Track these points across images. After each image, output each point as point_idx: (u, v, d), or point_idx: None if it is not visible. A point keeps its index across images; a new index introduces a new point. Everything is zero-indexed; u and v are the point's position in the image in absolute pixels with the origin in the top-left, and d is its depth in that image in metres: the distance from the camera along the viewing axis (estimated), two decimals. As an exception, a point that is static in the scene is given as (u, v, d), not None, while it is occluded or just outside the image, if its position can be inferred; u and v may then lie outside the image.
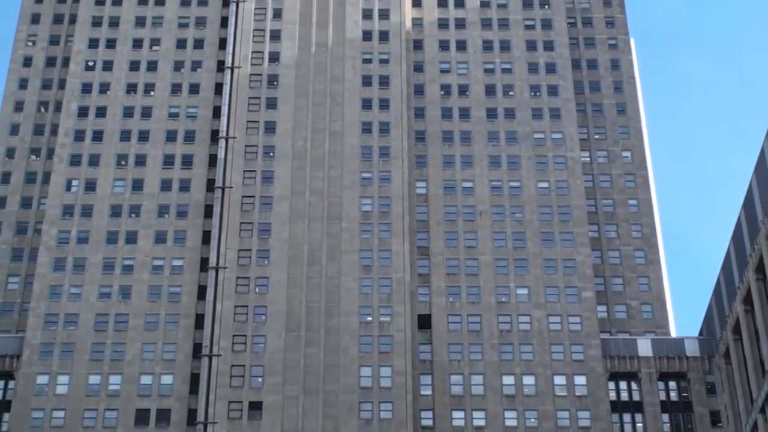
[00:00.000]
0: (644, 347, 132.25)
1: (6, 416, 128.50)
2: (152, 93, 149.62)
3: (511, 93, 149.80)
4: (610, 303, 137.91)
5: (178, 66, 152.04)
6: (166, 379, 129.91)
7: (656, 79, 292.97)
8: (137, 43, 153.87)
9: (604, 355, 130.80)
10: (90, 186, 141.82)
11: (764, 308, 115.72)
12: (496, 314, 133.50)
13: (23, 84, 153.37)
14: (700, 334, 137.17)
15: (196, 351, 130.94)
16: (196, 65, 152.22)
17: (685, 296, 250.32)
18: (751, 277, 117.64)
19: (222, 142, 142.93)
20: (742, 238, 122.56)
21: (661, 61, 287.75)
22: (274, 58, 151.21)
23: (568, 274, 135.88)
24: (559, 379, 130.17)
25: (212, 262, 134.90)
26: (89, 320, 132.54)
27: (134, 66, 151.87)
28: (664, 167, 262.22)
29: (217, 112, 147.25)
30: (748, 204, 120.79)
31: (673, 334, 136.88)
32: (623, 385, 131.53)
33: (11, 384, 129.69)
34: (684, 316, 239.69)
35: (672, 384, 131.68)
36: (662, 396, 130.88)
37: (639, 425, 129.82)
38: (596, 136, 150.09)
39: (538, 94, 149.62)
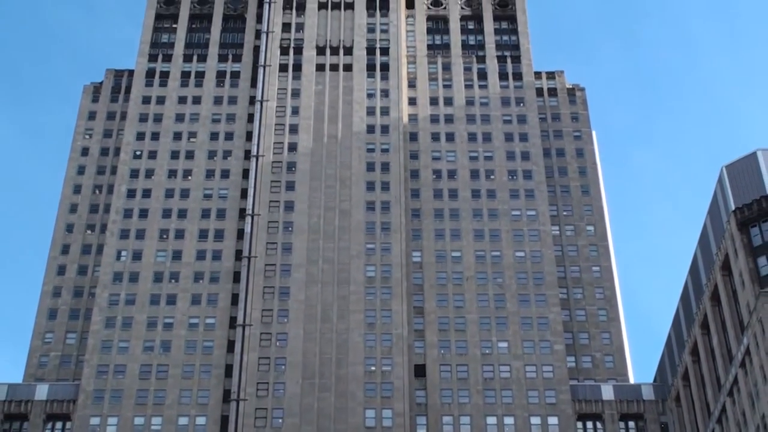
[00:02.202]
0: (607, 392, 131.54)
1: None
2: (190, 177, 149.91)
3: (492, 177, 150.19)
4: (577, 354, 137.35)
5: (211, 155, 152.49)
6: (200, 420, 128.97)
7: (615, 165, 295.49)
8: (177, 136, 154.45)
9: (573, 399, 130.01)
10: (137, 256, 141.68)
11: (709, 359, 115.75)
12: (480, 364, 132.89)
13: (81, 170, 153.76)
14: (655, 380, 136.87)
15: (226, 396, 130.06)
16: (226, 154, 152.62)
17: (641, 348, 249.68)
18: (697, 332, 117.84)
19: (248, 219, 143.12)
20: (689, 299, 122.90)
21: (619, 151, 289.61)
22: (293, 147, 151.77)
23: (542, 330, 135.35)
24: (535, 420, 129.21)
25: (240, 320, 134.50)
26: (135, 370, 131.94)
27: (175, 155, 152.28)
28: (622, 239, 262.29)
29: (244, 194, 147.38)
30: (693, 270, 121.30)
31: (632, 380, 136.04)
32: (590, 425, 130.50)
33: (68, 425, 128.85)
34: (641, 366, 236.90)
35: (631, 424, 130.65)
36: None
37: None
38: (564, 213, 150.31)
39: (515, 177, 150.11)
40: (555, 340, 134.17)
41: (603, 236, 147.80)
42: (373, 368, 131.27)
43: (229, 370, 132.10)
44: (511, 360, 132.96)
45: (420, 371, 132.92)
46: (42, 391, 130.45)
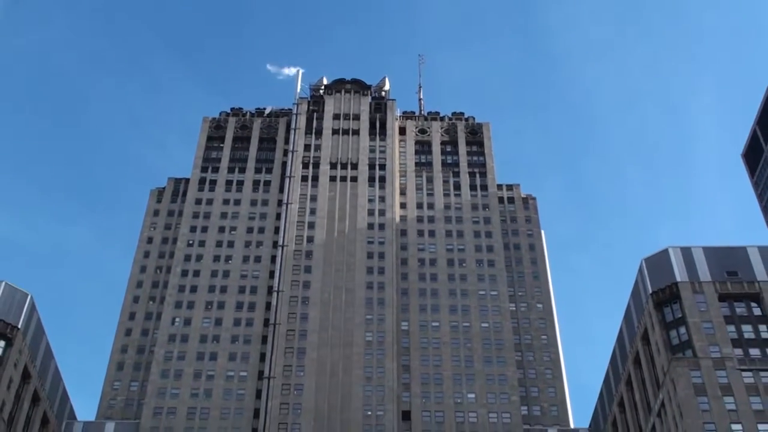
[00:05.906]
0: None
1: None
2: (230, 261, 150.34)
3: (464, 264, 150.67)
4: (529, 405, 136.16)
5: (247, 244, 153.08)
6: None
7: (559, 257, 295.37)
8: (221, 229, 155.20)
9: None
10: (187, 322, 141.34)
11: (632, 410, 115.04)
12: (454, 411, 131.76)
13: (146, 254, 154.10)
14: (590, 427, 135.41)
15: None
16: (259, 244, 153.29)
17: (579, 401, 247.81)
18: (623, 388, 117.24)
19: (275, 294, 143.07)
20: (617, 362, 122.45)
21: (562, 246, 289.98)
22: (310, 239, 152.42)
23: (502, 384, 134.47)
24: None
25: (266, 373, 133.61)
26: (183, 412, 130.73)
27: (219, 244, 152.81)
28: (565, 314, 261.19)
29: (272, 275, 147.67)
30: (620, 340, 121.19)
31: (572, 426, 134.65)
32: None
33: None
34: (579, 414, 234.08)
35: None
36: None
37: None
38: (519, 293, 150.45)
39: (481, 265, 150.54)
40: (512, 393, 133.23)
41: (550, 312, 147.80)
42: (369, 413, 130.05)
43: (256, 413, 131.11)
44: (478, 408, 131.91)
45: (406, 416, 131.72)
46: (110, 428, 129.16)
